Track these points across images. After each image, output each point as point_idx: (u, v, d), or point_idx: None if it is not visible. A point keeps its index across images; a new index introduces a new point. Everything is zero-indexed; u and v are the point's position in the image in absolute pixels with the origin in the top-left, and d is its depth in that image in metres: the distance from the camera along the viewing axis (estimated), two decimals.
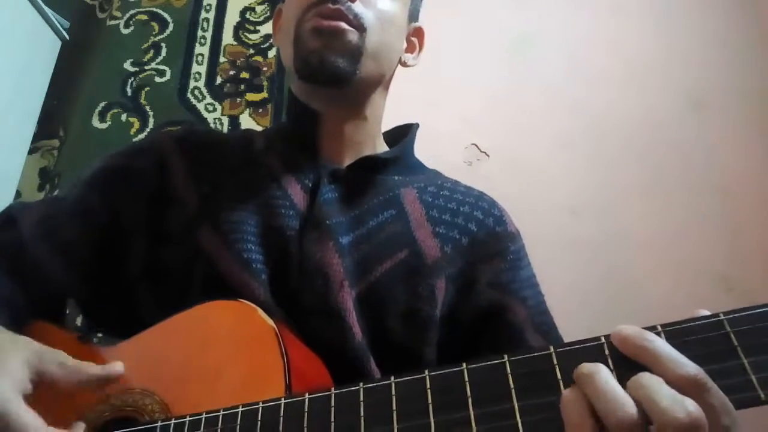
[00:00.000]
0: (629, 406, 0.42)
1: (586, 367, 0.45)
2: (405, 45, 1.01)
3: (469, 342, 0.84)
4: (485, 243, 0.89)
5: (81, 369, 0.62)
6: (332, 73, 0.86)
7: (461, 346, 0.84)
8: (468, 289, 0.85)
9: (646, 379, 0.43)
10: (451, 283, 0.84)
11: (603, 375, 0.44)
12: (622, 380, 0.43)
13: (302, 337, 0.72)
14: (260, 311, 0.66)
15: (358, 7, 0.87)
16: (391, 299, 0.80)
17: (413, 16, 1.03)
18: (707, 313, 0.46)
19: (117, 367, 0.64)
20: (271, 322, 0.65)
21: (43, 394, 0.60)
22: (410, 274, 0.82)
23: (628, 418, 0.41)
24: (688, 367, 0.43)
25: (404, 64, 1.01)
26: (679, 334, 0.45)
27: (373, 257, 0.82)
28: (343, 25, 0.85)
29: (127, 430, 0.62)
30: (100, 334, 1.15)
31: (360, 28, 0.87)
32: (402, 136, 1.02)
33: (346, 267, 0.79)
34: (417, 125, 1.04)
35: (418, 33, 1.05)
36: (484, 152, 1.76)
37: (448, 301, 0.83)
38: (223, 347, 0.66)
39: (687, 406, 0.41)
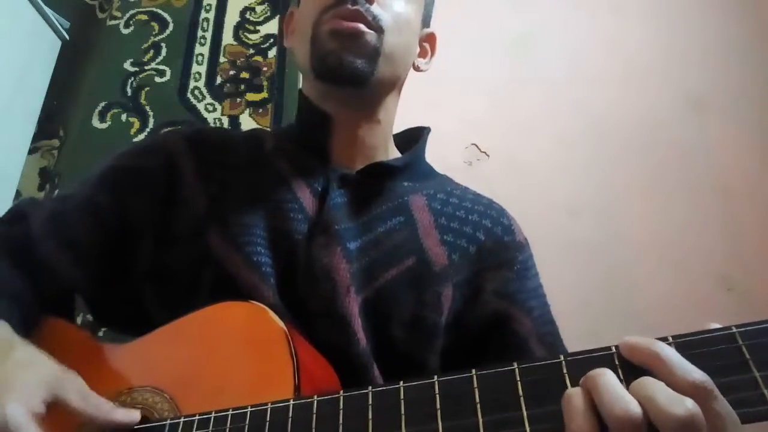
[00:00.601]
0: (631, 404, 0.42)
1: (593, 371, 0.45)
2: (418, 49, 1.01)
3: (472, 350, 0.84)
4: (493, 252, 0.89)
5: (101, 408, 0.61)
6: (350, 73, 0.86)
7: (465, 354, 0.84)
8: (474, 298, 0.85)
9: (646, 380, 0.44)
10: (458, 291, 0.84)
11: (607, 375, 0.44)
12: None
13: (310, 341, 0.72)
14: (271, 312, 0.67)
15: (376, 9, 0.87)
16: (396, 306, 0.80)
17: (426, 21, 1.04)
18: (718, 325, 0.46)
19: (135, 416, 0.63)
20: (281, 323, 0.65)
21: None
22: (417, 281, 0.82)
23: (629, 416, 0.42)
24: (695, 373, 0.43)
25: (417, 69, 1.02)
26: (690, 345, 0.45)
27: (380, 264, 0.82)
28: (362, 27, 0.85)
29: (137, 427, 0.62)
30: (101, 333, 1.16)
31: (378, 29, 0.87)
32: (413, 140, 1.02)
33: (353, 273, 0.79)
34: (428, 129, 1.03)
35: (431, 38, 1.05)
36: (484, 152, 1.76)
37: (453, 309, 0.83)
38: (234, 347, 0.66)
39: (685, 403, 0.41)
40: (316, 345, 0.72)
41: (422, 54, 1.03)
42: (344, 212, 0.86)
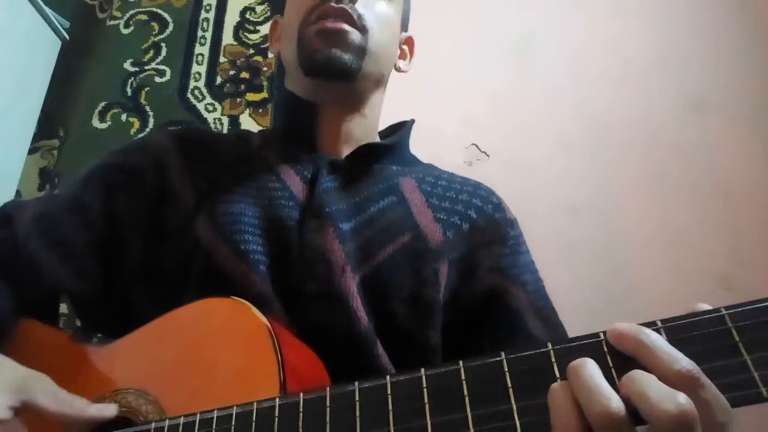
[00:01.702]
0: (612, 400, 0.41)
1: (575, 361, 0.44)
2: (398, 51, 1.06)
3: (470, 327, 0.84)
4: (485, 229, 0.90)
5: (74, 405, 0.60)
6: (339, 68, 0.88)
7: (462, 331, 0.84)
8: (469, 275, 0.86)
9: (637, 374, 0.43)
10: (453, 268, 0.84)
11: (588, 368, 0.44)
12: (620, 377, 0.43)
13: (305, 326, 0.72)
14: (253, 308, 0.66)
15: (360, 8, 0.90)
16: (395, 283, 0.80)
17: (404, 25, 1.08)
18: (708, 306, 0.45)
19: (110, 410, 0.63)
20: (264, 319, 0.64)
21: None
22: (414, 257, 0.82)
23: (609, 411, 0.41)
24: (683, 361, 0.42)
25: (398, 70, 1.07)
26: (679, 329, 0.44)
27: (376, 242, 0.82)
28: (346, 26, 0.89)
29: (122, 431, 0.61)
30: (98, 336, 1.15)
31: (362, 29, 0.90)
32: (398, 131, 1.03)
33: (347, 252, 0.79)
34: (412, 121, 1.05)
35: (409, 42, 1.11)
36: (484, 152, 1.75)
37: (450, 286, 0.83)
38: (217, 345, 0.65)
39: (678, 399, 0.40)
40: (314, 328, 0.72)
41: (402, 56, 1.08)
42: (335, 195, 0.86)
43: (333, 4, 0.89)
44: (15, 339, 0.73)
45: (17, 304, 0.76)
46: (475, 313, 0.85)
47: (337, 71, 0.89)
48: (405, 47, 1.09)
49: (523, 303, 0.85)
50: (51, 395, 0.59)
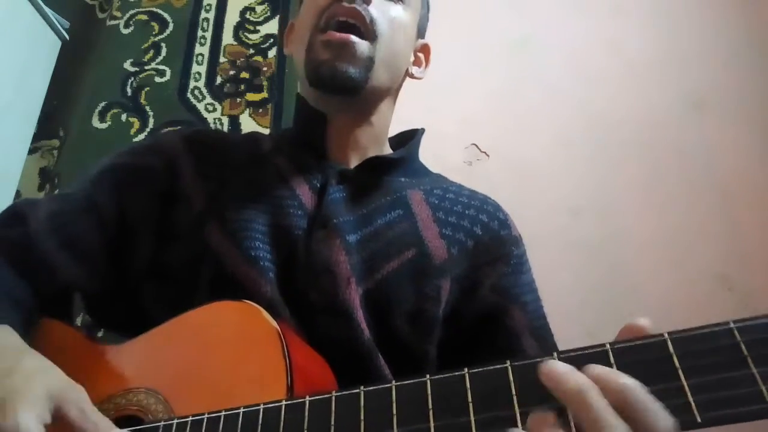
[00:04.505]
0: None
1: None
2: (413, 58, 1.03)
3: (467, 342, 0.85)
4: (489, 246, 0.90)
5: (99, 425, 0.60)
6: (343, 82, 0.87)
7: (459, 346, 0.85)
8: (471, 292, 0.86)
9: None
10: (456, 284, 0.85)
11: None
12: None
13: (310, 335, 0.72)
14: (264, 312, 0.66)
15: (373, 11, 0.89)
16: (398, 298, 0.80)
17: (421, 32, 1.05)
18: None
19: None
20: (274, 323, 0.65)
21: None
22: (418, 273, 0.82)
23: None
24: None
25: (411, 76, 1.04)
26: (687, 341, 0.43)
27: (381, 255, 0.83)
28: (354, 38, 0.87)
29: (130, 429, 0.62)
30: (100, 333, 1.16)
31: (372, 36, 0.89)
32: (407, 140, 1.03)
33: (353, 265, 0.80)
34: (423, 130, 1.05)
35: (425, 49, 1.07)
36: (484, 152, 1.76)
37: (451, 302, 0.84)
38: (227, 348, 0.66)
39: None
40: (318, 339, 0.72)
41: (417, 63, 1.05)
42: (343, 206, 0.87)
43: (345, 3, 0.88)
44: (35, 336, 0.74)
45: (38, 301, 0.77)
46: (474, 329, 0.86)
47: (341, 86, 0.88)
48: (421, 54, 1.06)
49: (522, 323, 0.86)
50: (81, 410, 0.59)
